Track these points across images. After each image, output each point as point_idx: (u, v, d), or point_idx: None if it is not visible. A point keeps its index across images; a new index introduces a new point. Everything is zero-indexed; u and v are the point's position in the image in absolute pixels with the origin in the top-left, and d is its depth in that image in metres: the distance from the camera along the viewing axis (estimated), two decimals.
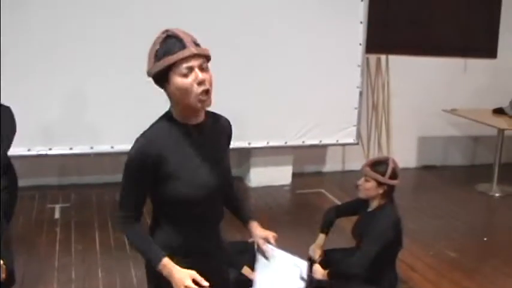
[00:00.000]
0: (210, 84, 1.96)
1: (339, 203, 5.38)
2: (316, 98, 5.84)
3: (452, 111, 6.59)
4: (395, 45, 6.65)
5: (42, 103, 5.03)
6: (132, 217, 2.04)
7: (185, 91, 1.93)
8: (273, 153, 6.01)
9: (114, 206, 5.15)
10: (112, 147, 5.22)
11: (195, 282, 1.95)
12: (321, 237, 3.66)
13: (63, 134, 5.14)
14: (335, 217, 3.72)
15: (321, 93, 5.85)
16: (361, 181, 3.43)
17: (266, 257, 2.25)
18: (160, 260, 2.00)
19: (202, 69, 1.95)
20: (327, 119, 5.94)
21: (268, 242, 2.26)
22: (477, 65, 7.04)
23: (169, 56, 1.91)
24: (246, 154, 6.11)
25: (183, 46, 1.92)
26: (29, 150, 5.04)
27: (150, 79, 1.99)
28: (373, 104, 6.75)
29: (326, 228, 3.68)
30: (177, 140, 2.01)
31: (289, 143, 5.91)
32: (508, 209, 5.85)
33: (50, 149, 5.14)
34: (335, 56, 5.83)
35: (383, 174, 3.35)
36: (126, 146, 2.11)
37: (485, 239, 4.98)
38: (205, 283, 1.95)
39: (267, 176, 6.11)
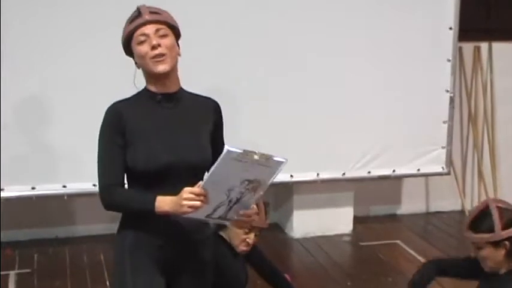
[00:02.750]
0: (168, 49, 2.70)
1: (421, 259, 5.48)
2: (386, 109, 5.80)
3: None
4: (503, 28, 6.64)
5: None
6: (115, 184, 2.69)
7: (142, 57, 2.70)
8: (326, 190, 5.96)
9: (96, 268, 5.20)
10: (94, 185, 5.11)
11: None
12: None
13: (22, 168, 5.09)
14: (435, 274, 3.65)
15: (393, 102, 5.80)
16: (474, 252, 3.42)
17: None
18: (153, 201, 2.62)
19: (161, 35, 2.70)
20: (402, 138, 5.89)
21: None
22: None
23: (127, 25, 2.73)
24: (287, 191, 6.04)
25: (139, 16, 2.71)
26: None
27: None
28: (470, 114, 6.67)
29: (419, 286, 3.62)
30: (144, 108, 2.75)
31: (349, 175, 5.85)
32: None
33: (2, 190, 5.06)
34: (413, 48, 5.76)
35: (492, 230, 3.29)
36: None
37: None
38: (199, 189, 2.54)
39: (317, 223, 6.05)
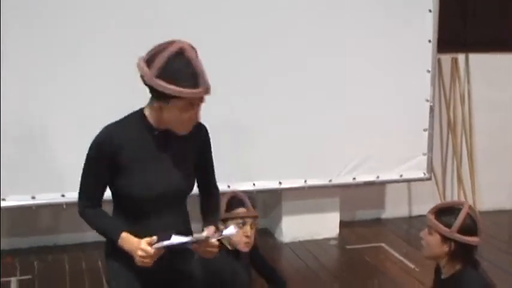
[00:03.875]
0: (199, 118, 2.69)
1: (405, 261, 5.62)
2: (370, 118, 5.83)
3: None
4: (479, 40, 6.67)
5: None
6: (91, 205, 2.74)
7: (177, 122, 2.62)
8: (313, 196, 5.96)
9: (95, 274, 5.20)
10: None
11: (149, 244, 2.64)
12: None
13: (21, 178, 5.05)
14: None
15: (377, 111, 5.83)
16: (423, 232, 3.44)
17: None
18: (119, 235, 2.66)
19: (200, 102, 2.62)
20: (385, 146, 5.92)
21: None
22: None
23: (179, 87, 2.50)
24: (276, 198, 6.07)
25: (196, 84, 2.53)
26: None
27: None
28: (449, 122, 6.71)
29: None
30: (139, 136, 2.69)
31: (335, 181, 5.87)
32: None
33: (4, 200, 5.04)
34: (395, 60, 5.81)
35: (448, 226, 3.31)
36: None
37: None
38: (151, 250, 2.61)
39: (305, 228, 6.04)
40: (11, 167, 5.00)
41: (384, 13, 5.70)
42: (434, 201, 6.38)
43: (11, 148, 5.01)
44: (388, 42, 5.74)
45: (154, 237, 2.61)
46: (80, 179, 2.76)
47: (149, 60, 2.54)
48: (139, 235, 2.66)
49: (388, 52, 5.75)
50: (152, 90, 2.57)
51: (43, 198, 5.11)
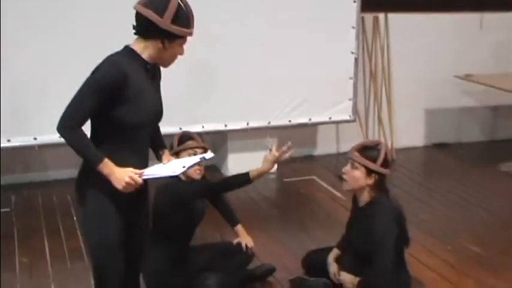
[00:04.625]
0: None
1: (333, 191, 5.76)
2: (303, 68, 5.92)
3: (467, 77, 6.63)
4: (397, 1, 6.62)
5: None
6: (78, 126, 2.62)
7: (173, 58, 2.79)
8: (254, 136, 5.99)
9: (65, 207, 5.26)
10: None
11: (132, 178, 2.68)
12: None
13: None
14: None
15: (309, 62, 5.93)
16: (347, 168, 3.56)
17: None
18: (101, 160, 2.63)
19: None
20: (316, 92, 6.03)
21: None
22: (496, 21, 7.03)
23: (186, 29, 2.73)
24: (222, 138, 6.20)
25: (192, 24, 2.75)
26: None
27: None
28: (371, 72, 6.80)
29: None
30: (138, 69, 2.73)
31: (273, 123, 6.00)
32: None
33: None
34: (324, 17, 5.88)
35: (374, 161, 3.48)
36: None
37: None
38: (140, 180, 2.68)
39: (248, 164, 5.63)
40: None
41: None
42: (359, 140, 6.24)
43: None
44: (318, 3, 5.82)
45: (144, 170, 2.72)
46: (74, 99, 2.64)
47: (157, 8, 2.65)
48: (118, 163, 2.67)
49: (319, 11, 5.82)
50: (164, 33, 2.69)
51: (17, 141, 5.15)
